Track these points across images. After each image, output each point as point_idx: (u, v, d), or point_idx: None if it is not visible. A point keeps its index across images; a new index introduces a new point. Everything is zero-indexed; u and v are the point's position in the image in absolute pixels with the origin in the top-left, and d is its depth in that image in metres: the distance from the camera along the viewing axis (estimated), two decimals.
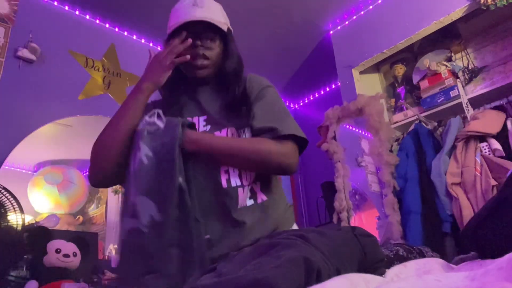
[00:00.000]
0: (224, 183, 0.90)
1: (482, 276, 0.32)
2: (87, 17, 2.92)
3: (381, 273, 0.47)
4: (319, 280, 0.42)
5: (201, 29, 0.98)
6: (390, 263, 0.48)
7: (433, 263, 0.46)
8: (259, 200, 0.93)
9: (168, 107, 0.99)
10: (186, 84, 1.04)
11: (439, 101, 2.57)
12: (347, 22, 3.16)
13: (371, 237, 0.55)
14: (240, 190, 0.90)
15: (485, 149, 2.15)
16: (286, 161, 0.90)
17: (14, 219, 1.83)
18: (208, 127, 0.96)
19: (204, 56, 0.98)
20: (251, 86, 1.00)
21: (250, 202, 0.91)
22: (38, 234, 1.94)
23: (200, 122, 0.97)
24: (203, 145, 0.88)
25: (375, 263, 0.51)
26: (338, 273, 0.44)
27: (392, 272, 0.46)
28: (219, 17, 1.01)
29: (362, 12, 3.06)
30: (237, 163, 0.91)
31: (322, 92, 4.03)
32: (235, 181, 0.90)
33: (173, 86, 1.03)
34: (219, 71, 1.02)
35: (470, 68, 2.63)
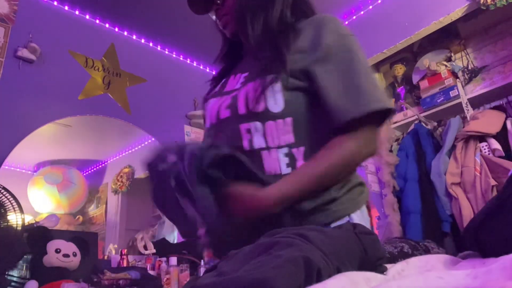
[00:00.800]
0: (245, 144, 0.77)
1: (484, 274, 0.32)
2: (87, 17, 2.92)
3: (383, 270, 0.47)
4: (319, 279, 0.42)
5: None
6: (394, 260, 0.47)
7: (436, 260, 0.46)
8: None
9: (226, 73, 0.95)
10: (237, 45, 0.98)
11: (438, 101, 2.58)
12: (347, 22, 3.16)
13: (372, 235, 0.55)
14: (265, 153, 0.76)
15: (484, 149, 2.15)
16: (368, 153, 0.75)
17: (14, 219, 1.83)
18: (241, 85, 0.84)
19: (220, 15, 0.92)
20: (309, 32, 0.80)
21: (287, 170, 0.75)
22: (38, 234, 1.94)
23: (240, 80, 0.85)
24: (286, 202, 0.71)
25: (376, 261, 0.51)
26: (339, 272, 0.44)
27: (394, 269, 0.46)
28: None
29: (362, 12, 3.06)
30: (327, 185, 0.74)
31: None
32: (258, 142, 0.76)
33: (230, 52, 0.99)
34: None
35: (470, 68, 2.63)
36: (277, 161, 0.76)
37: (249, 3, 0.86)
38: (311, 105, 0.78)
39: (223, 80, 0.93)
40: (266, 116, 0.76)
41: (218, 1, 0.89)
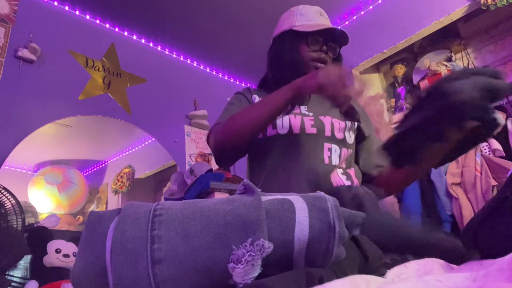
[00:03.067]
0: (326, 159, 1.01)
1: (483, 277, 0.32)
2: (87, 17, 2.92)
3: (382, 274, 0.47)
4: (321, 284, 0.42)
5: (331, 38, 1.09)
6: (391, 265, 0.48)
7: (433, 263, 0.46)
8: (355, 184, 1.02)
9: None
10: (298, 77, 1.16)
11: None
12: (347, 22, 3.16)
13: (371, 242, 0.55)
14: (335, 169, 1.01)
15: (485, 149, 2.15)
16: None
17: (14, 219, 1.83)
18: (311, 113, 1.06)
19: (325, 61, 1.10)
20: (360, 109, 1.16)
21: (347, 183, 1.00)
22: (38, 234, 1.94)
23: (302, 109, 1.07)
24: None
25: (375, 268, 0.50)
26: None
27: (393, 272, 0.46)
28: None
29: (362, 12, 3.06)
30: None
31: None
32: (335, 160, 1.02)
33: (292, 76, 1.11)
34: None
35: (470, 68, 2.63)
36: (338, 177, 1.00)
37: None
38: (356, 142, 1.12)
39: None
40: (344, 143, 1.04)
41: (333, 56, 1.11)
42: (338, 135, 1.04)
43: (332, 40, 1.09)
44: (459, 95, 0.66)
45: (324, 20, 1.11)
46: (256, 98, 1.13)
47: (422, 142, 0.75)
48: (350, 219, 0.48)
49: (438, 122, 0.71)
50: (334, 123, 1.04)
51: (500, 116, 0.71)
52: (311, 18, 1.10)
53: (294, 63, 1.10)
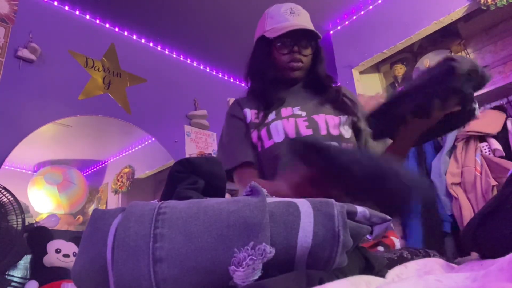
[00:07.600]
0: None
1: (483, 277, 0.32)
2: (87, 17, 2.92)
3: (382, 275, 0.47)
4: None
5: (299, 36, 1.08)
6: (393, 265, 0.47)
7: (433, 264, 0.47)
8: None
9: (269, 100, 1.12)
10: (280, 82, 1.15)
11: None
12: (347, 22, 3.16)
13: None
14: None
15: (485, 149, 2.15)
16: None
17: (14, 219, 1.83)
18: (304, 112, 1.06)
19: (300, 60, 1.10)
20: (350, 97, 1.15)
21: None
22: (38, 234, 1.94)
23: (295, 110, 1.07)
24: None
25: (379, 271, 0.50)
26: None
27: (393, 272, 0.46)
28: (311, 25, 1.10)
29: (362, 12, 3.06)
30: None
31: None
32: None
33: (272, 84, 1.13)
34: (310, 72, 1.14)
35: None
36: None
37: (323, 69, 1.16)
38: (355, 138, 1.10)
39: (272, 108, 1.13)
40: (341, 138, 1.03)
41: (307, 53, 1.10)
42: (334, 131, 1.03)
43: (302, 37, 1.08)
44: (454, 71, 0.68)
45: (293, 18, 1.09)
46: (248, 112, 1.12)
47: (405, 114, 0.77)
48: (355, 230, 0.47)
49: (425, 93, 0.73)
50: (328, 120, 1.05)
51: (477, 108, 0.77)
52: (280, 19, 1.09)
53: (271, 71, 1.11)
